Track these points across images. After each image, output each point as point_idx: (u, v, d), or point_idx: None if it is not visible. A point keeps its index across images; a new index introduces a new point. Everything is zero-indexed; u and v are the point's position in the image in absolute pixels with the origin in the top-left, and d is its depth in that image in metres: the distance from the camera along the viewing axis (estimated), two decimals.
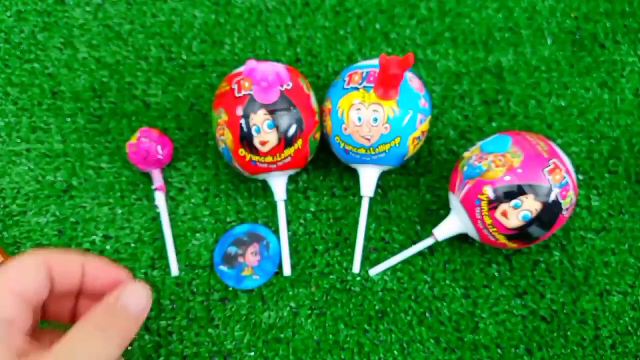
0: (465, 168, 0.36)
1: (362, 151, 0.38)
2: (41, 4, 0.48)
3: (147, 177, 0.43)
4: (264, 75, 0.34)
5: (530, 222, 0.34)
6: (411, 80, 0.37)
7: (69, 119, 0.44)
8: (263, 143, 0.36)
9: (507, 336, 0.39)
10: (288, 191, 0.42)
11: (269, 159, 0.37)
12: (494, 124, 0.45)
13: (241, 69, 0.38)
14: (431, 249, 0.41)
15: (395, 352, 0.38)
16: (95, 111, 0.45)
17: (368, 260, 0.41)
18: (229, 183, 0.43)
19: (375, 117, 0.36)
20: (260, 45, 0.47)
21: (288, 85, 0.37)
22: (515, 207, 0.34)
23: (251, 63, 0.34)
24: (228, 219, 0.42)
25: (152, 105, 0.45)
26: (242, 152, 0.37)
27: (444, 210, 0.42)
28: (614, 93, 0.45)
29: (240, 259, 0.40)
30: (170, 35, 0.47)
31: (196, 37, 0.47)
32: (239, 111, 0.36)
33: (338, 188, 0.43)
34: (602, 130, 0.44)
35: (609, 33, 0.47)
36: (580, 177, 0.43)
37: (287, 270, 0.40)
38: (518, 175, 0.34)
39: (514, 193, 0.34)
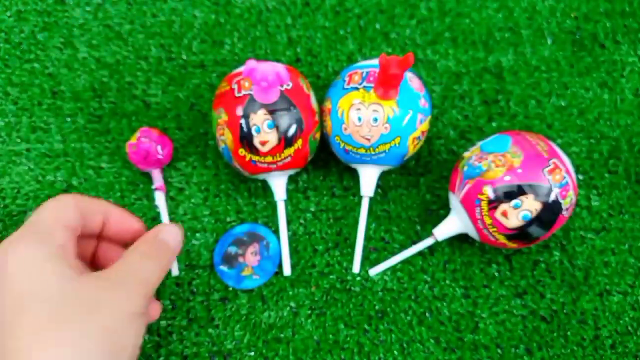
0: (465, 168, 0.36)
1: (362, 151, 0.38)
2: (41, 4, 0.48)
3: (147, 177, 0.43)
4: (264, 75, 0.34)
5: (530, 222, 0.34)
6: (411, 80, 0.37)
7: (69, 119, 0.44)
8: (263, 143, 0.36)
9: (507, 336, 0.39)
10: (288, 191, 0.42)
11: (269, 159, 0.37)
12: (494, 124, 0.45)
13: (241, 69, 0.38)
14: (431, 249, 0.41)
15: (395, 352, 0.38)
16: (95, 111, 0.45)
17: (368, 260, 0.41)
18: (229, 183, 0.43)
19: (375, 117, 0.36)
20: (260, 45, 0.47)
21: (288, 85, 0.37)
22: (515, 207, 0.34)
23: (251, 63, 0.34)
24: (228, 219, 0.42)
25: (152, 105, 0.45)
26: (242, 152, 0.37)
27: (444, 210, 0.42)
28: (614, 93, 0.45)
29: (240, 259, 0.40)
30: (170, 35, 0.47)
31: (196, 37, 0.47)
32: (239, 111, 0.36)
33: (338, 188, 0.43)
34: (602, 130, 0.44)
35: (609, 33, 0.47)
36: (580, 177, 0.43)
37: (287, 270, 0.40)
38: (518, 175, 0.34)
39: (514, 193, 0.34)
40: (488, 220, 0.35)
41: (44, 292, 0.27)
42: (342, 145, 0.38)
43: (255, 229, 0.41)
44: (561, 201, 0.34)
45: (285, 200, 0.41)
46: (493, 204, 0.34)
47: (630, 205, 0.42)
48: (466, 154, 0.38)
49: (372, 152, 0.37)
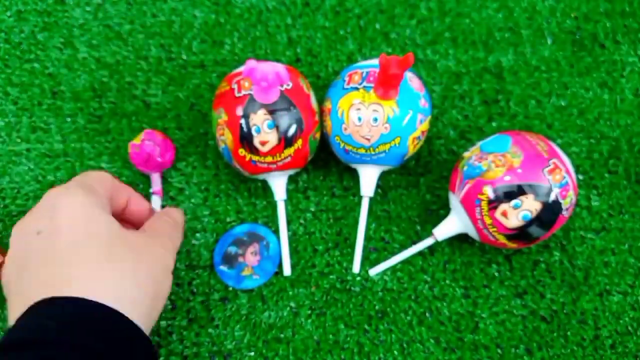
0: (465, 168, 0.36)
1: (362, 151, 0.38)
2: (41, 4, 0.48)
3: (147, 178, 0.43)
4: (264, 75, 0.34)
5: (530, 222, 0.34)
6: (411, 80, 0.37)
7: (69, 119, 0.44)
8: (263, 143, 0.36)
9: (507, 336, 0.39)
10: (288, 191, 0.42)
11: (269, 159, 0.37)
12: (494, 124, 0.45)
13: (241, 69, 0.38)
14: (431, 249, 0.41)
15: (395, 352, 0.38)
16: (95, 111, 0.45)
17: (368, 260, 0.41)
18: (229, 183, 0.43)
19: (375, 117, 0.36)
20: (260, 45, 0.47)
21: (288, 85, 0.37)
22: (515, 207, 0.34)
23: (251, 63, 0.34)
24: (228, 219, 0.42)
25: (152, 105, 0.45)
26: (242, 152, 0.37)
27: (444, 210, 0.42)
28: (614, 93, 0.45)
29: (240, 259, 0.40)
30: (170, 35, 0.47)
31: (196, 37, 0.47)
32: (239, 111, 0.36)
33: (338, 188, 0.43)
34: (602, 130, 0.44)
35: (609, 33, 0.47)
36: (580, 177, 0.43)
37: (287, 270, 0.40)
38: (518, 175, 0.34)
39: (514, 193, 0.34)
40: (488, 220, 0.35)
41: (96, 232, 0.30)
42: (342, 145, 0.38)
43: (255, 229, 0.41)
44: (561, 201, 0.34)
45: (285, 200, 0.41)
46: (493, 204, 0.34)
47: (630, 205, 0.42)
48: (466, 154, 0.38)
49: (372, 152, 0.37)
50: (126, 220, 0.37)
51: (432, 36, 0.47)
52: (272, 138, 0.36)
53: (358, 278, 0.40)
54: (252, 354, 0.38)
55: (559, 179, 0.34)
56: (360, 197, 0.41)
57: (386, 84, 0.35)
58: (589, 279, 0.40)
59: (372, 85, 0.36)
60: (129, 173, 0.43)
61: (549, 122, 0.45)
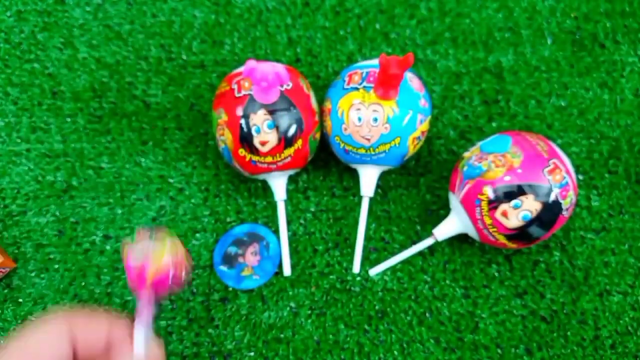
0: (465, 168, 0.36)
1: (362, 151, 0.38)
2: (41, 4, 0.48)
3: (147, 178, 0.43)
4: (264, 75, 0.34)
5: (530, 222, 0.34)
6: (411, 80, 0.37)
7: (69, 119, 0.44)
8: (263, 143, 0.36)
9: (507, 336, 0.39)
10: (288, 191, 0.42)
11: (269, 159, 0.37)
12: (494, 124, 0.45)
13: (241, 69, 0.38)
14: (431, 249, 0.41)
15: (395, 352, 0.38)
16: (95, 111, 0.45)
17: (368, 260, 0.41)
18: (229, 183, 0.43)
19: (375, 117, 0.36)
20: (260, 45, 0.47)
21: (288, 85, 0.37)
22: (515, 207, 0.34)
23: (251, 63, 0.34)
24: (228, 219, 0.42)
25: (152, 105, 0.45)
26: (242, 152, 0.37)
27: (444, 210, 0.42)
28: (614, 93, 0.45)
29: (240, 259, 0.40)
30: (170, 35, 0.47)
31: (196, 37, 0.47)
32: (239, 111, 0.36)
33: (338, 188, 0.43)
34: (602, 130, 0.44)
35: (609, 33, 0.47)
36: (580, 177, 0.43)
37: (287, 270, 0.40)
38: (518, 176, 0.34)
39: (514, 193, 0.34)
40: (488, 221, 0.35)
41: None
42: (342, 145, 0.38)
43: (255, 229, 0.41)
44: (561, 201, 0.34)
45: (285, 200, 0.41)
46: (493, 204, 0.34)
47: (630, 205, 0.42)
48: (466, 154, 0.38)
49: (372, 152, 0.37)
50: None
51: (432, 36, 0.47)
52: (272, 138, 0.36)
53: (358, 278, 0.40)
54: (252, 354, 0.38)
55: (559, 179, 0.34)
56: (360, 197, 0.41)
57: (386, 84, 0.35)
58: (589, 279, 0.40)
59: (372, 85, 0.36)
60: (129, 173, 0.43)
61: (549, 122, 0.45)
